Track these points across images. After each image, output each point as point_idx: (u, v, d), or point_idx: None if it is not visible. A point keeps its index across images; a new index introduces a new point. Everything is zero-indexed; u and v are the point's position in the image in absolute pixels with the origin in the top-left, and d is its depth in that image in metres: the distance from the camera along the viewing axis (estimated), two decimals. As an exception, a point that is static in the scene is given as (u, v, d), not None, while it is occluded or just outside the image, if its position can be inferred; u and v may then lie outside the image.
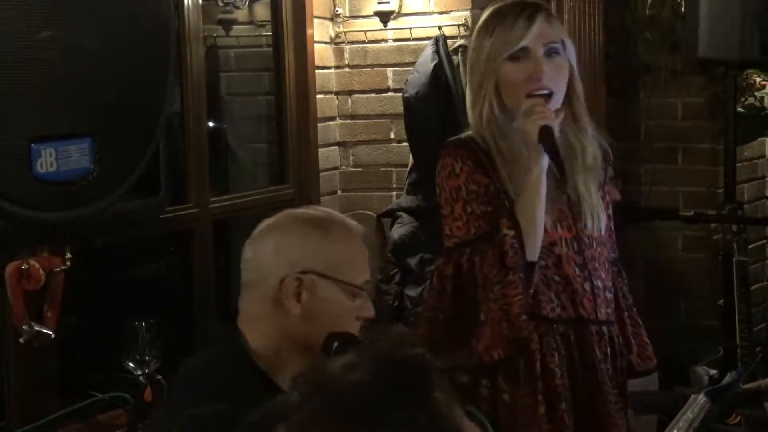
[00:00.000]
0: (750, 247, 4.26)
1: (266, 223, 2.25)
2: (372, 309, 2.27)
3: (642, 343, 3.05)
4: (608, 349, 2.95)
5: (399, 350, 1.15)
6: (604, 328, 2.93)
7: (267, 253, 2.20)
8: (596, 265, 2.91)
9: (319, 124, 4.79)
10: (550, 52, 2.81)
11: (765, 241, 5.82)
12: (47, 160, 2.29)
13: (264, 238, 2.22)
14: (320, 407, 1.10)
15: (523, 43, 2.78)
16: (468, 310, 2.79)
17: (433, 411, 1.10)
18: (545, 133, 2.73)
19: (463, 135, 2.86)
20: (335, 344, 2.14)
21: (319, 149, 4.80)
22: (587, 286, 2.88)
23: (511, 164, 2.81)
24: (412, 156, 4.70)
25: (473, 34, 2.92)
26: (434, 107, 4.54)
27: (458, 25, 4.71)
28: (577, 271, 2.87)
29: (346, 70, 4.95)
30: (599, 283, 2.91)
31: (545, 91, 2.79)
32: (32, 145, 2.27)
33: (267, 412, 1.12)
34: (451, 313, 2.83)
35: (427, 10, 4.82)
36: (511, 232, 2.74)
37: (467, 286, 2.79)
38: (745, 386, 3.03)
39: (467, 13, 4.73)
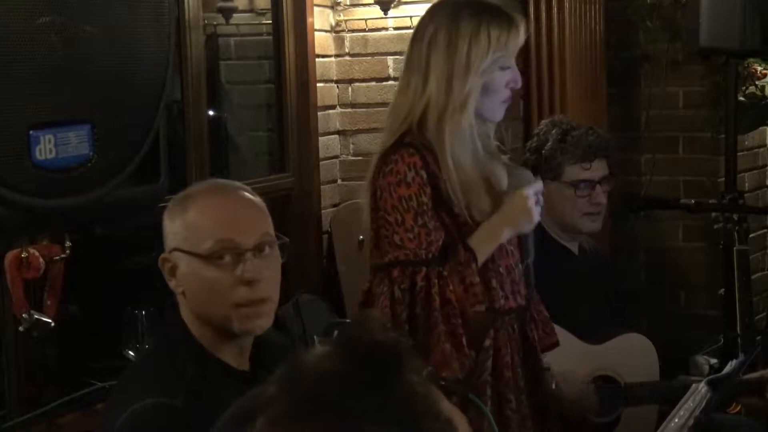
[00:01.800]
0: (751, 236, 4.25)
1: None
2: (256, 269, 2.12)
3: (543, 318, 3.08)
4: (534, 333, 3.00)
5: (368, 336, 1.13)
6: (530, 312, 2.99)
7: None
8: (514, 249, 2.94)
9: (319, 113, 4.78)
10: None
11: (766, 230, 5.82)
12: (46, 147, 2.28)
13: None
14: (294, 399, 1.09)
15: (517, 49, 2.86)
16: (419, 330, 2.75)
17: (407, 394, 1.09)
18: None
19: (407, 138, 2.80)
20: (335, 333, 2.13)
21: (320, 138, 4.78)
22: (518, 272, 2.91)
23: (471, 185, 2.82)
24: (413, 145, 4.70)
25: (447, 33, 2.82)
26: (434, 96, 4.53)
27: (459, 14, 4.70)
28: (512, 261, 2.90)
29: (347, 58, 4.94)
30: (521, 267, 2.95)
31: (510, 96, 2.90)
32: (31, 132, 2.26)
33: (245, 405, 1.11)
34: (406, 326, 2.75)
35: (428, -1, 4.81)
36: (471, 257, 2.78)
37: (417, 305, 2.75)
38: (746, 376, 3.04)
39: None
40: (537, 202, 2.84)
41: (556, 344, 3.12)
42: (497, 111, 2.88)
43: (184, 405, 2.05)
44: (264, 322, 2.17)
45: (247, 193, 2.23)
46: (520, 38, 2.84)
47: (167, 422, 2.04)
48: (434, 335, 2.72)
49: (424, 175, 2.76)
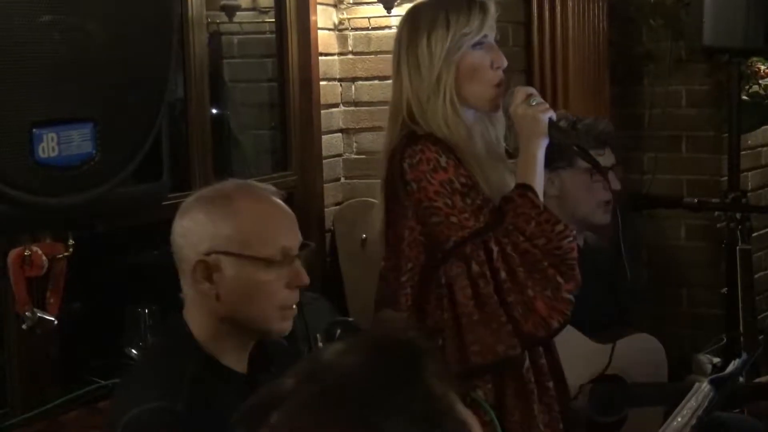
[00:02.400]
0: (753, 235, 4.24)
1: (184, 203, 2.23)
2: (303, 275, 2.19)
3: None
4: None
5: (391, 334, 1.15)
6: None
7: (177, 238, 2.19)
8: None
9: (322, 111, 4.78)
10: (496, 40, 2.91)
11: (768, 229, 5.81)
12: (49, 145, 2.28)
13: (177, 221, 2.20)
14: (315, 392, 1.09)
15: (485, 31, 2.85)
16: (512, 292, 2.75)
17: (427, 393, 1.10)
18: (551, 123, 2.83)
19: (419, 132, 2.83)
20: (338, 331, 2.14)
21: (323, 136, 4.78)
22: None
23: (484, 166, 2.84)
24: (416, 143, 4.69)
25: (410, 30, 2.89)
26: (437, 94, 4.53)
27: (462, 12, 4.69)
28: None
29: (350, 56, 4.94)
30: None
31: (501, 78, 2.89)
32: (33, 130, 2.26)
33: (261, 399, 1.12)
34: (492, 299, 2.76)
35: (431, -3, 4.80)
36: (523, 191, 2.79)
37: (501, 272, 2.75)
38: (756, 380, 3.04)
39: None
40: (533, 103, 2.82)
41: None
42: (486, 97, 2.87)
43: (185, 408, 2.05)
44: (291, 323, 2.23)
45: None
46: (488, 14, 2.85)
47: (168, 426, 2.04)
48: (527, 293, 2.74)
49: (454, 158, 2.79)
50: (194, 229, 2.16)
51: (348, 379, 1.10)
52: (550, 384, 2.90)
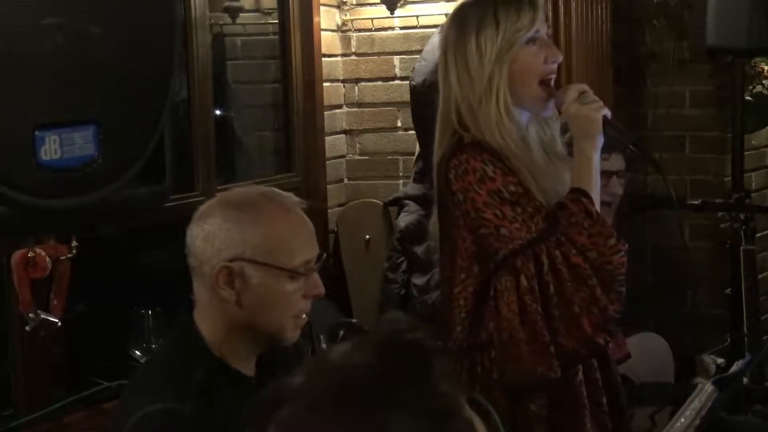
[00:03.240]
0: (757, 235, 4.24)
1: (201, 208, 2.20)
2: (321, 287, 2.20)
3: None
4: None
5: (399, 334, 1.15)
6: None
7: (198, 242, 2.16)
8: None
9: (325, 112, 4.78)
10: (547, 35, 2.81)
11: (772, 229, 5.81)
12: (51, 147, 2.28)
13: (196, 225, 2.18)
14: (322, 390, 1.10)
15: (537, 25, 2.73)
16: (558, 307, 2.65)
17: (434, 392, 1.11)
18: (606, 121, 2.71)
19: (466, 140, 2.71)
20: (341, 332, 2.14)
21: (326, 137, 4.79)
22: None
23: (537, 172, 2.73)
24: (419, 144, 4.69)
25: (458, 31, 2.77)
26: (441, 95, 4.53)
27: (465, 13, 4.69)
28: None
29: (353, 57, 4.94)
30: None
31: (554, 75, 2.78)
32: (36, 132, 2.26)
33: (269, 396, 1.12)
34: (538, 316, 2.65)
35: (434, -2, 4.81)
36: (578, 196, 2.69)
37: (550, 286, 2.65)
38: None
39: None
40: (586, 101, 2.72)
41: (628, 356, 3.09)
42: (535, 96, 2.75)
43: (193, 410, 2.05)
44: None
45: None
46: (538, 8, 2.74)
47: (175, 428, 2.04)
48: (573, 309, 2.63)
49: (501, 166, 2.67)
50: (218, 235, 2.14)
51: (355, 378, 1.10)
52: (603, 400, 2.79)
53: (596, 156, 2.72)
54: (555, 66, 2.77)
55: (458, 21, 2.78)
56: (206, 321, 2.18)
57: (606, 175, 3.60)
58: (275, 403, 1.11)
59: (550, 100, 2.76)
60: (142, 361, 3.19)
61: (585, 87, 2.77)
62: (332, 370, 1.13)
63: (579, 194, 2.68)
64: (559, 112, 2.79)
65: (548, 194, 2.72)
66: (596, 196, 2.70)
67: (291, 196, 2.24)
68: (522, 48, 2.72)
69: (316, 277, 2.20)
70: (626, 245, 2.69)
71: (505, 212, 2.66)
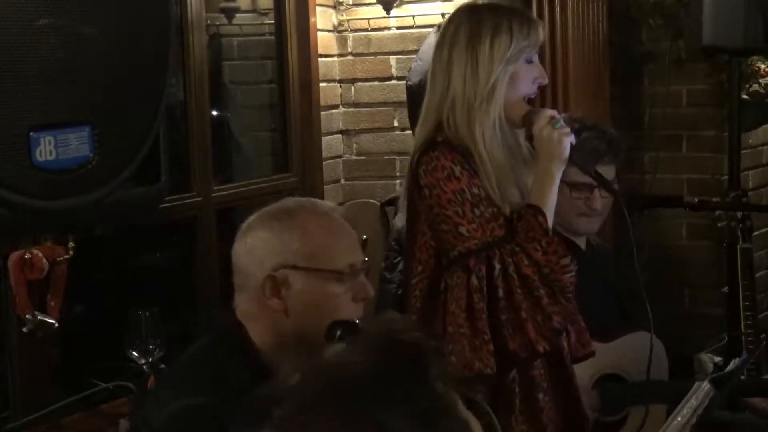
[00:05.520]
0: (754, 234, 4.23)
1: (242, 226, 2.23)
2: (369, 289, 2.23)
3: (578, 328, 3.10)
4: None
5: (394, 334, 1.16)
6: None
7: (242, 256, 2.19)
8: None
9: (322, 113, 4.78)
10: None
11: (770, 228, 5.81)
12: (46, 149, 2.29)
13: (239, 241, 2.20)
14: (318, 389, 1.10)
15: (536, 49, 2.89)
16: (505, 311, 2.77)
17: (429, 391, 1.11)
18: (573, 149, 2.86)
19: (439, 137, 2.83)
20: (338, 332, 2.13)
21: (323, 137, 4.79)
22: None
23: (502, 177, 2.84)
24: (416, 144, 4.69)
25: (472, 30, 2.86)
26: (437, 95, 4.53)
27: (461, 13, 4.69)
28: None
29: (349, 58, 4.94)
30: None
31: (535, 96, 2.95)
32: (31, 134, 2.27)
33: (262, 395, 1.12)
34: (483, 315, 2.77)
35: (430, -2, 4.81)
36: (536, 212, 2.81)
37: (499, 289, 2.78)
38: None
39: (470, 1, 4.71)
40: (557, 126, 2.84)
41: (590, 355, 3.13)
42: (517, 110, 2.88)
43: (232, 409, 2.05)
44: None
45: None
46: (540, 34, 2.88)
47: (215, 425, 2.03)
48: (520, 315, 2.76)
49: (470, 169, 2.79)
50: (259, 246, 2.16)
51: (351, 376, 1.11)
52: (540, 396, 2.89)
53: (558, 177, 2.86)
54: (538, 88, 2.94)
55: (471, 22, 2.88)
56: (255, 331, 2.19)
57: (587, 188, 3.58)
58: (270, 402, 1.11)
59: (528, 117, 2.89)
60: (141, 362, 3.19)
61: (554, 112, 2.91)
62: (327, 369, 1.13)
63: (537, 211, 2.81)
64: (530, 133, 2.90)
65: (512, 199, 2.85)
66: (550, 215, 2.84)
67: (327, 203, 2.32)
68: (523, 65, 2.86)
69: (363, 279, 2.22)
70: (577, 266, 2.85)
71: (465, 212, 2.78)
